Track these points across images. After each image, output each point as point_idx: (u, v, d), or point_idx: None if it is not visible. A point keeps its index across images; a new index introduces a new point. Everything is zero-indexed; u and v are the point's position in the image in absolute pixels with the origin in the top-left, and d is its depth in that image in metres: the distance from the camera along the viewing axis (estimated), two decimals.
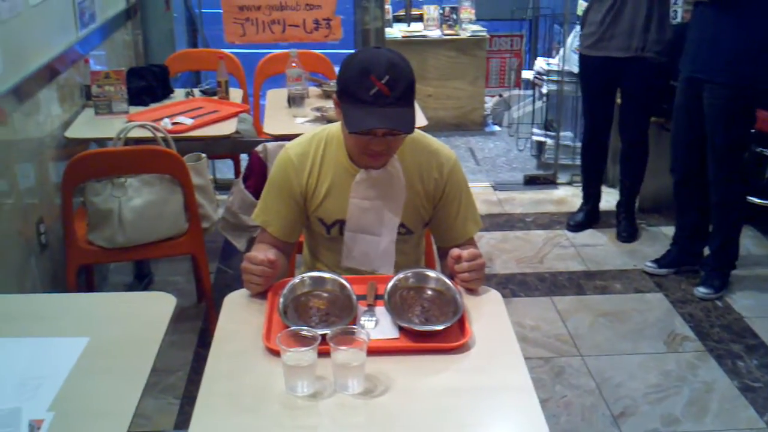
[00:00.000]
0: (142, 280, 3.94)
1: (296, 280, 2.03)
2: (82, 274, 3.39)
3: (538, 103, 5.76)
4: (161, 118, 3.58)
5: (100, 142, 3.57)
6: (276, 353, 1.73)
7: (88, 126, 3.63)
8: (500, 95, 6.70)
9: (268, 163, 2.89)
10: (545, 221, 4.74)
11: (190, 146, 3.44)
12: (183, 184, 3.19)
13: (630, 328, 3.61)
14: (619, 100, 4.42)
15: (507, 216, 4.82)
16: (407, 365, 1.78)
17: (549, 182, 5.32)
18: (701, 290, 3.86)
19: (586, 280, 4.05)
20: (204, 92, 4.15)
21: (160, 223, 3.18)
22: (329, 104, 3.85)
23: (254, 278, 2.02)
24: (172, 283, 3.89)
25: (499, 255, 4.29)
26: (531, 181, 5.32)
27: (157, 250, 3.26)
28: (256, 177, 2.98)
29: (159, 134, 3.29)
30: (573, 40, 5.02)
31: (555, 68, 5.32)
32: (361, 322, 1.91)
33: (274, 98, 4.15)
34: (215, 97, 4.06)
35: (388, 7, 6.25)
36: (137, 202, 3.12)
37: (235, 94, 4.19)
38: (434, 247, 2.54)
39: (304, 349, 1.66)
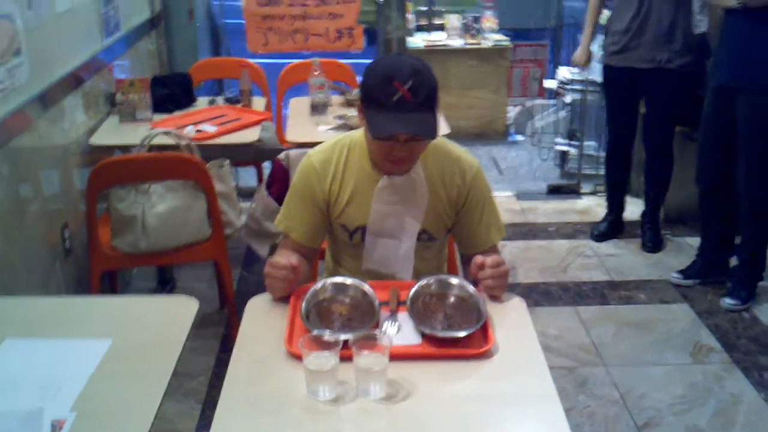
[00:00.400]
0: (164, 285, 3.95)
1: (319, 285, 2.02)
2: (105, 279, 3.41)
3: (562, 113, 5.74)
4: (185, 126, 3.60)
5: (124, 149, 3.59)
6: (298, 357, 1.73)
7: (112, 133, 3.66)
8: (523, 105, 6.68)
9: (291, 171, 2.89)
10: (569, 231, 4.72)
11: (213, 153, 3.45)
12: (206, 190, 3.20)
13: (655, 339, 3.57)
14: (643, 110, 4.39)
15: (530, 225, 4.79)
16: (430, 371, 1.76)
17: (572, 192, 5.29)
18: (728, 301, 3.81)
19: (610, 290, 4.01)
20: (227, 100, 4.17)
21: (183, 229, 3.19)
22: (351, 112, 3.85)
23: (277, 282, 2.02)
24: (194, 289, 3.90)
25: (521, 264, 4.27)
26: (554, 191, 5.30)
27: (180, 255, 3.27)
28: (278, 184, 2.98)
29: (182, 141, 3.30)
30: (597, 49, 5.00)
31: (578, 77, 5.29)
32: (384, 328, 1.90)
33: (297, 106, 4.16)
34: (238, 105, 4.08)
35: (410, 16, 6.26)
36: (161, 208, 3.13)
37: (258, 103, 4.21)
38: (457, 255, 2.52)
39: (326, 353, 1.66)
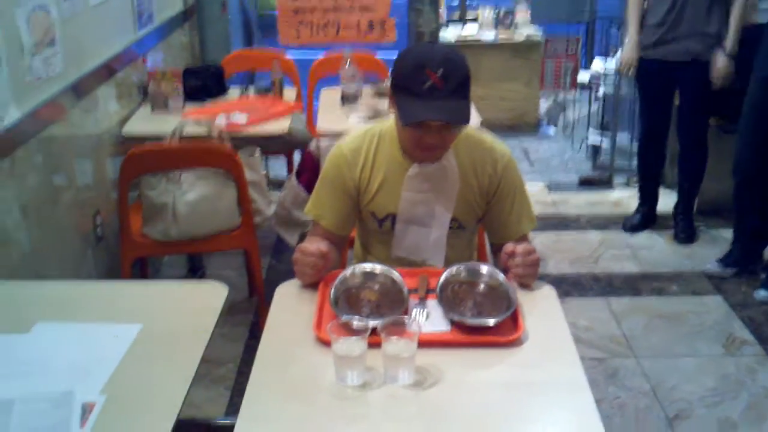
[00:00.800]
0: (194, 273, 3.98)
1: (348, 271, 2.02)
2: (136, 266, 3.44)
3: (594, 105, 5.69)
4: (216, 116, 3.61)
5: (156, 138, 3.60)
6: (326, 343, 1.73)
7: (144, 122, 3.69)
8: (555, 97, 6.64)
9: (321, 160, 2.90)
10: (600, 222, 4.68)
11: (243, 143, 3.46)
12: (236, 179, 3.21)
13: (687, 331, 3.53)
14: (677, 102, 4.34)
15: (561, 217, 4.76)
16: (458, 358, 1.76)
17: (604, 184, 5.24)
18: (762, 293, 3.76)
19: (642, 281, 3.98)
20: (258, 91, 4.17)
21: (213, 218, 3.20)
22: (382, 103, 3.84)
23: (306, 269, 2.02)
24: (224, 277, 3.87)
25: (552, 255, 4.24)
26: (586, 183, 5.25)
27: (210, 244, 3.28)
28: (309, 173, 2.99)
29: (214, 131, 3.31)
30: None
31: (612, 70, 5.24)
32: (413, 315, 1.90)
33: (328, 97, 4.16)
34: (269, 96, 4.08)
35: (442, 9, 6.23)
36: (191, 196, 3.14)
37: (289, 94, 4.21)
38: (487, 244, 2.51)
39: (354, 338, 1.65)
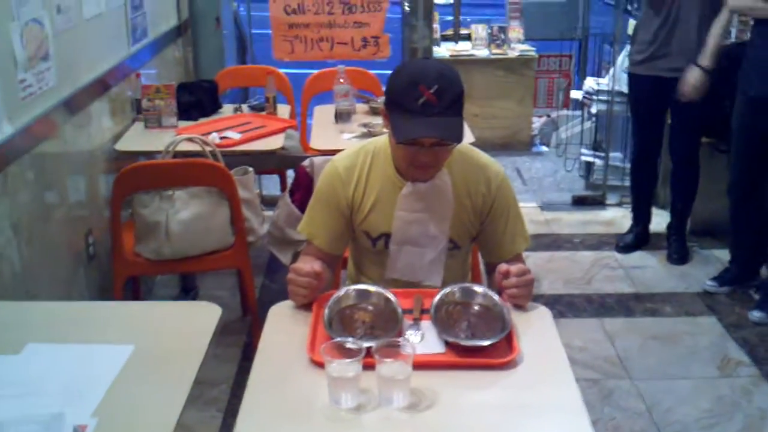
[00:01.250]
0: (187, 293, 3.95)
1: (341, 292, 2.01)
2: (128, 285, 3.41)
3: (587, 124, 5.69)
4: (209, 132, 3.61)
5: (149, 155, 3.59)
6: (320, 365, 1.71)
7: (137, 139, 3.67)
8: (548, 115, 6.65)
9: (315, 178, 2.88)
10: (593, 242, 4.67)
11: (237, 161, 3.44)
12: (230, 197, 3.19)
13: (681, 352, 3.52)
14: (669, 120, 4.35)
15: (554, 236, 4.75)
16: (453, 380, 1.74)
17: (597, 203, 5.24)
18: (756, 314, 3.76)
19: (635, 302, 3.97)
20: (252, 108, 4.17)
21: (206, 236, 3.18)
22: (376, 120, 3.84)
23: (300, 290, 2.00)
24: (217, 297, 3.88)
25: (545, 276, 4.23)
26: (579, 202, 5.25)
27: (203, 263, 3.26)
28: (302, 191, 2.97)
29: (207, 148, 3.30)
30: (623, 59, 4.96)
31: (605, 88, 5.25)
32: (407, 336, 1.88)
33: (322, 114, 4.16)
34: (263, 113, 4.08)
35: (436, 26, 6.24)
36: (184, 215, 3.13)
37: (283, 110, 4.21)
38: (481, 264, 2.50)
39: (348, 360, 1.64)
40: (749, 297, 3.94)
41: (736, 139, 3.85)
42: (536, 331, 1.95)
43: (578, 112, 5.99)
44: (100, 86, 3.44)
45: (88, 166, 3.30)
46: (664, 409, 3.11)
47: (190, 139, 3.32)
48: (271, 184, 5.29)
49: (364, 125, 3.78)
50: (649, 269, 4.33)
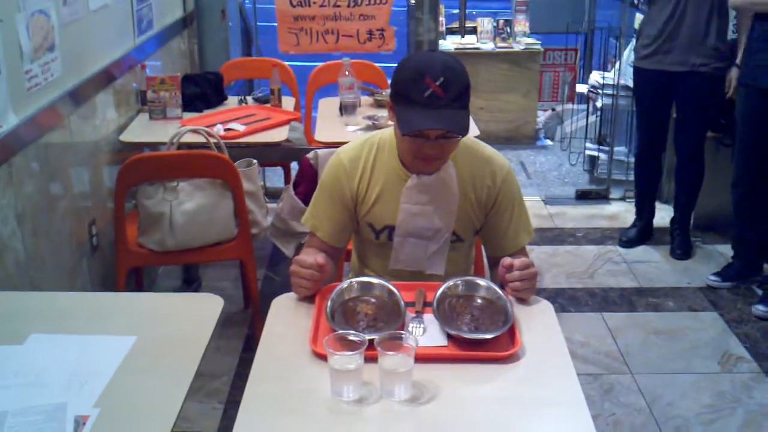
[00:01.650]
0: (190, 284, 3.96)
1: (344, 284, 2.01)
2: (131, 276, 3.43)
3: (592, 118, 5.69)
4: (214, 124, 3.61)
5: (154, 146, 3.60)
6: (323, 357, 1.71)
7: (142, 130, 3.68)
8: (553, 109, 6.64)
9: (319, 170, 2.88)
10: (597, 236, 4.67)
11: (241, 152, 3.45)
12: (234, 189, 3.20)
13: (683, 347, 3.53)
14: (674, 114, 4.35)
15: (558, 230, 4.75)
16: (455, 373, 1.74)
17: (601, 197, 5.24)
18: (760, 308, 3.75)
19: (638, 296, 3.97)
20: (257, 100, 4.17)
21: (210, 228, 3.19)
22: (381, 113, 3.85)
23: (303, 281, 2.00)
24: (219, 289, 3.90)
25: (548, 269, 4.23)
26: (583, 196, 5.25)
27: (206, 254, 3.27)
28: (306, 183, 2.97)
29: (212, 140, 3.31)
30: (629, 53, 4.95)
31: (610, 82, 5.25)
32: (409, 329, 1.89)
33: (326, 107, 4.16)
34: (268, 105, 4.08)
35: (441, 19, 6.24)
36: (188, 206, 3.13)
37: (288, 103, 4.21)
38: (484, 257, 2.50)
39: (351, 353, 1.64)
40: (752, 292, 3.94)
41: (740, 133, 3.85)
42: (538, 325, 1.95)
43: (583, 106, 5.99)
44: (106, 77, 3.44)
45: (93, 157, 3.30)
46: (664, 404, 3.12)
47: (194, 131, 3.32)
48: (275, 177, 5.30)
49: (369, 118, 3.78)
50: (652, 264, 4.33)
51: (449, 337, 1.86)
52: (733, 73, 3.97)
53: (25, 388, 1.62)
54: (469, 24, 6.59)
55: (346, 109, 3.93)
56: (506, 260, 2.05)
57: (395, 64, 2.11)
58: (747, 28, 3.86)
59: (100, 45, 3.42)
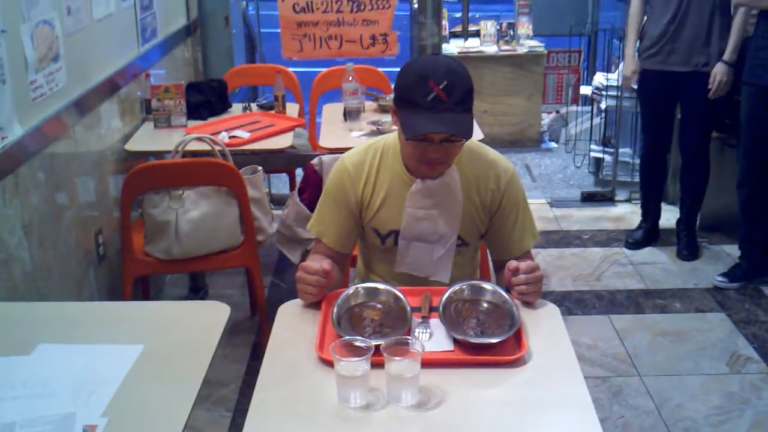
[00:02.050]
0: (197, 292, 3.97)
1: (350, 290, 2.01)
2: (138, 285, 3.43)
3: (596, 119, 5.68)
4: (219, 132, 3.62)
5: (159, 155, 3.61)
6: (329, 363, 1.72)
7: (147, 139, 3.69)
8: (557, 111, 6.64)
9: (324, 176, 2.89)
10: (603, 238, 4.67)
11: (246, 160, 3.46)
12: (239, 196, 3.20)
13: (690, 349, 3.52)
14: (678, 115, 4.34)
15: (563, 233, 4.75)
16: (462, 378, 1.74)
17: (607, 199, 5.24)
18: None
19: (645, 298, 3.96)
20: (261, 107, 4.18)
21: (215, 236, 3.20)
22: (385, 118, 3.85)
23: (309, 288, 2.01)
24: (226, 296, 3.90)
25: (555, 272, 4.23)
26: (588, 198, 5.25)
27: (213, 262, 3.27)
28: (311, 189, 2.98)
29: (216, 147, 3.32)
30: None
31: (614, 83, 5.24)
32: (416, 334, 1.89)
33: (331, 112, 4.17)
34: (272, 112, 4.09)
35: (444, 23, 6.24)
36: (194, 214, 3.14)
37: (292, 109, 4.22)
38: (490, 261, 2.50)
39: (357, 359, 1.64)
40: (760, 293, 3.93)
41: (745, 132, 3.84)
42: (545, 329, 1.95)
43: (587, 108, 5.98)
44: (110, 87, 3.46)
45: (98, 167, 3.31)
46: (673, 405, 3.11)
47: (199, 139, 3.33)
48: (280, 183, 5.31)
49: (373, 123, 3.78)
50: (659, 265, 4.32)
51: (455, 341, 1.86)
52: (718, 69, 3.98)
53: (33, 399, 1.63)
54: (472, 27, 6.60)
55: (350, 115, 3.94)
56: (512, 263, 2.05)
57: (398, 69, 2.12)
58: (741, 27, 3.87)
59: (104, 54, 3.43)
